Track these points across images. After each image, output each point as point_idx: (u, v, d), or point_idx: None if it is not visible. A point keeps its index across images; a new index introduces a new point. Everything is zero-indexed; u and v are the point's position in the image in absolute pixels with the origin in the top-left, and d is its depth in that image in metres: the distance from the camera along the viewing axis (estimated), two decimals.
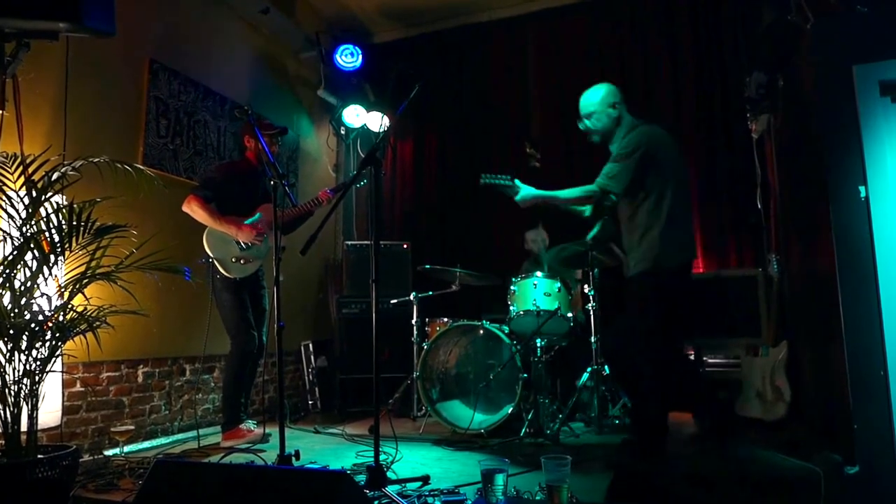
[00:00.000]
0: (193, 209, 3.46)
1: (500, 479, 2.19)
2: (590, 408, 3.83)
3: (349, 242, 5.20)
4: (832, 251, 2.42)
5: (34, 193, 2.53)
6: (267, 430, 3.51)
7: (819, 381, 3.16)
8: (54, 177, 2.57)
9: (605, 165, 2.99)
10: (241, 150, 3.77)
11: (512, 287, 3.91)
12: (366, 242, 5.16)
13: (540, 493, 2.32)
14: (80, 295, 2.54)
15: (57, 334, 2.46)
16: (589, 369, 3.74)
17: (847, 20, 2.50)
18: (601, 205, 3.16)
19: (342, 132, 5.87)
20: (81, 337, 2.50)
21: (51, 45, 2.98)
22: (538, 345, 3.74)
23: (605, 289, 4.27)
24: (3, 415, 2.36)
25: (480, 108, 5.56)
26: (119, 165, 2.73)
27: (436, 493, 2.42)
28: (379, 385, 2.56)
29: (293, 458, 2.76)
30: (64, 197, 2.66)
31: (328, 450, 3.41)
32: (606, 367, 3.69)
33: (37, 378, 2.43)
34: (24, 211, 2.51)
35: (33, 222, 2.52)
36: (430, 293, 4.32)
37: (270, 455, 3.08)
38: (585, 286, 3.95)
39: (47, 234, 2.50)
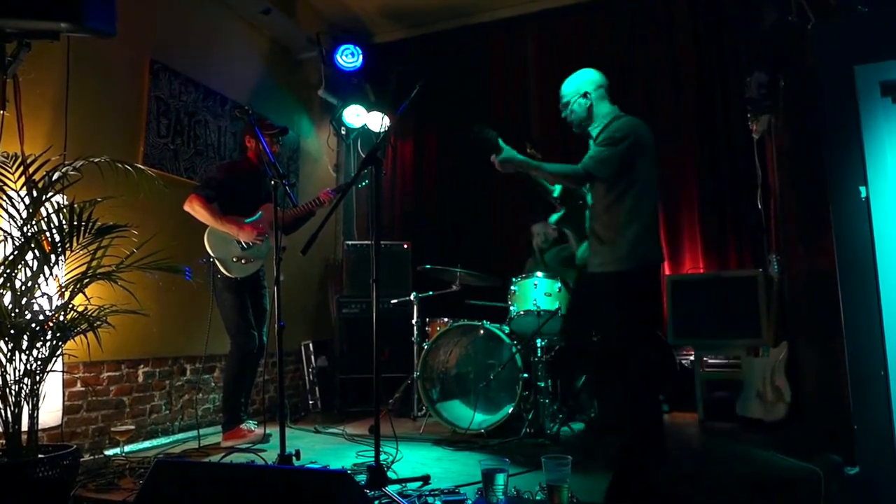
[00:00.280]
0: (195, 208, 3.46)
1: (500, 479, 2.19)
2: (590, 408, 3.83)
3: (349, 242, 5.20)
4: (833, 251, 2.42)
5: (35, 193, 2.53)
6: (267, 430, 3.51)
7: (819, 381, 3.15)
8: (55, 177, 2.57)
9: (591, 149, 2.84)
10: (243, 150, 3.77)
11: (512, 287, 3.91)
12: (366, 242, 5.17)
13: (540, 493, 2.32)
14: (80, 295, 2.55)
15: (58, 334, 2.47)
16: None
17: (848, 21, 2.50)
18: (571, 190, 3.01)
19: (343, 132, 5.87)
20: (82, 336, 2.50)
21: (52, 45, 2.98)
22: (538, 345, 3.74)
23: None
24: (3, 414, 2.36)
25: (481, 109, 5.56)
26: (120, 165, 2.73)
27: (436, 492, 2.42)
28: (379, 385, 2.56)
29: (294, 458, 2.77)
30: (65, 197, 2.66)
31: (328, 450, 3.42)
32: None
33: (37, 378, 2.43)
34: (25, 211, 2.52)
35: (34, 222, 2.52)
36: (431, 293, 4.32)
37: (271, 455, 3.09)
38: None
39: (48, 233, 2.51)
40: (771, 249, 4.17)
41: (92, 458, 3.16)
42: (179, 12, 4.13)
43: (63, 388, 3.12)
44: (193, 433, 3.66)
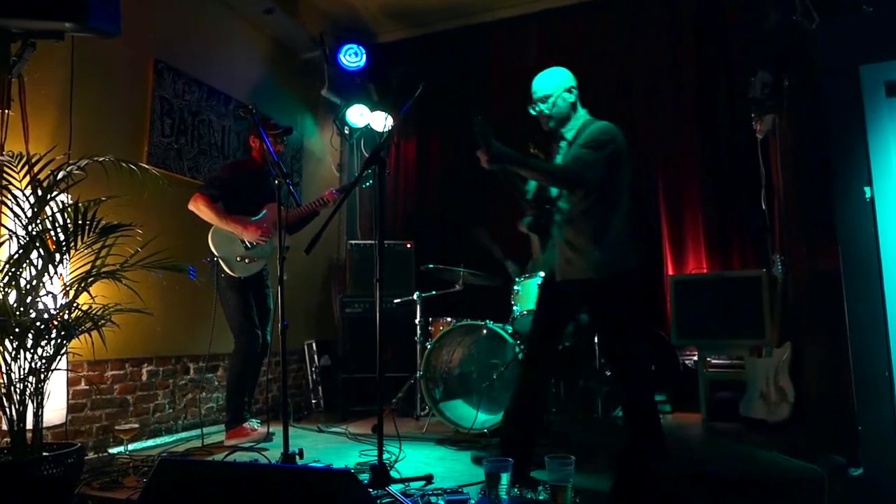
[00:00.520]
0: (199, 208, 3.47)
1: (503, 479, 2.19)
2: (593, 408, 3.82)
3: (353, 242, 5.21)
4: (837, 252, 2.41)
5: (39, 192, 2.54)
6: (270, 429, 3.52)
7: (823, 382, 3.15)
8: (59, 176, 2.58)
9: (574, 151, 2.71)
10: (247, 149, 3.78)
11: (516, 287, 3.91)
12: (369, 242, 5.17)
13: (543, 493, 2.32)
14: (85, 293, 2.55)
15: (62, 333, 2.47)
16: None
17: (853, 20, 2.49)
18: (545, 194, 2.87)
19: (346, 132, 5.87)
20: (86, 335, 2.51)
21: (56, 45, 2.99)
22: None
23: None
24: (8, 413, 2.37)
25: (484, 108, 5.55)
26: (124, 165, 2.74)
27: (439, 492, 2.43)
28: (382, 384, 2.56)
29: (297, 457, 2.77)
30: (69, 196, 2.67)
31: (331, 449, 3.42)
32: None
33: (42, 376, 2.43)
34: (30, 210, 2.52)
35: (39, 221, 2.52)
36: (434, 293, 4.32)
37: (274, 454, 3.09)
38: None
39: (52, 232, 2.51)
40: (775, 250, 4.16)
41: (96, 456, 3.17)
42: (183, 12, 4.14)
43: (67, 386, 3.13)
44: (197, 432, 3.67)
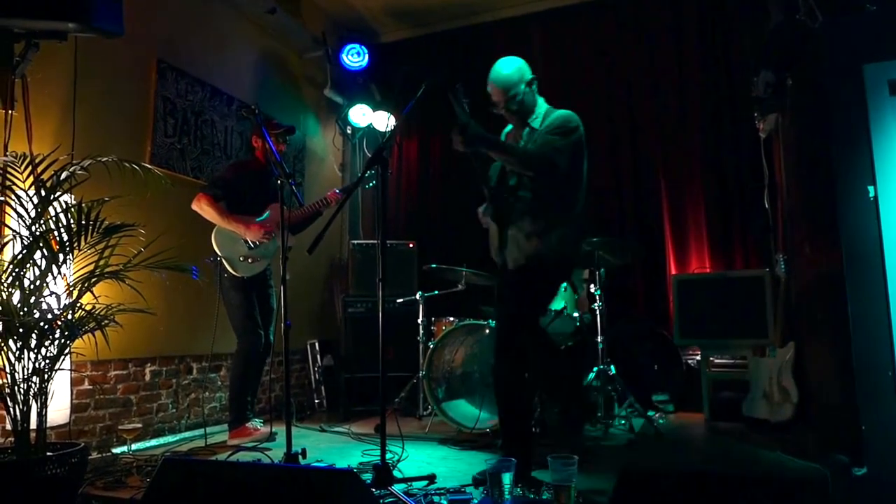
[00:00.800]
0: (202, 207, 3.48)
1: (506, 479, 2.19)
2: (596, 407, 3.82)
3: (355, 242, 5.21)
4: (840, 251, 2.40)
5: (43, 193, 2.54)
6: (273, 429, 3.53)
7: (826, 382, 3.14)
8: (63, 176, 2.58)
9: (543, 138, 2.67)
10: (250, 149, 3.79)
11: None
12: (372, 242, 5.17)
13: (546, 493, 2.32)
14: (88, 293, 2.56)
15: (65, 333, 2.48)
16: (595, 369, 3.73)
17: (856, 19, 2.48)
18: (507, 182, 2.82)
19: (348, 131, 5.88)
20: (90, 335, 2.51)
21: (59, 45, 3.00)
22: None
23: (612, 289, 4.26)
24: (13, 412, 2.38)
25: (486, 107, 5.55)
26: (127, 165, 2.74)
27: (442, 492, 2.43)
28: (385, 384, 2.56)
29: (299, 457, 2.77)
30: (72, 196, 2.67)
31: (334, 448, 3.42)
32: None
33: (46, 376, 2.44)
34: (34, 210, 2.53)
35: (42, 221, 2.53)
36: (436, 292, 4.32)
37: (277, 453, 3.09)
38: (592, 286, 3.94)
39: (56, 233, 2.52)
40: (778, 249, 4.15)
41: (100, 455, 3.18)
42: (186, 12, 4.14)
43: (71, 386, 3.14)
44: (200, 431, 3.68)
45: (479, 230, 5.80)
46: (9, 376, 2.38)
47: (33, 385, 2.41)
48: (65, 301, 2.53)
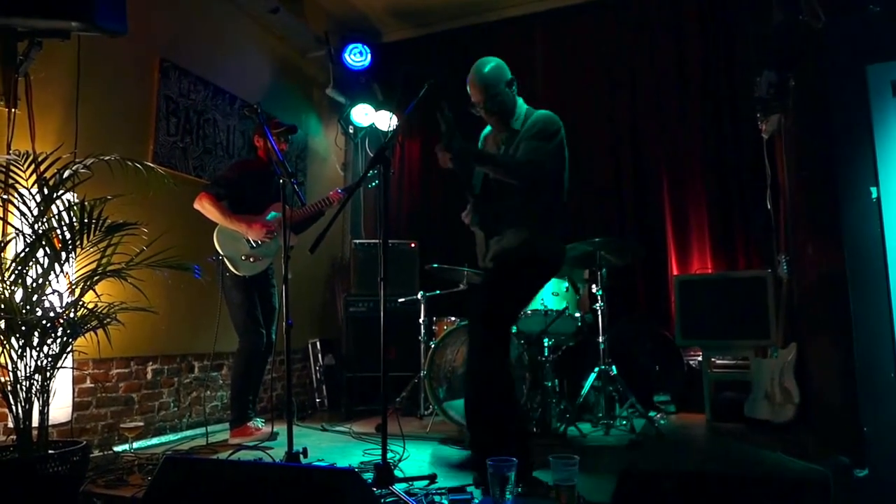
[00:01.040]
0: (204, 206, 3.48)
1: (507, 478, 2.18)
2: (597, 408, 3.82)
3: (357, 241, 5.21)
4: (843, 252, 2.40)
5: (46, 191, 2.55)
6: (275, 428, 3.53)
7: (828, 383, 3.14)
8: (66, 175, 2.59)
9: (529, 144, 2.63)
10: (252, 148, 3.79)
11: None
12: (374, 241, 5.18)
13: (547, 493, 2.32)
14: (90, 292, 2.56)
15: (68, 331, 2.48)
16: (596, 369, 3.73)
17: (859, 20, 2.48)
18: (491, 188, 2.78)
19: (350, 131, 5.88)
20: (92, 333, 2.52)
21: (62, 44, 3.01)
22: (546, 344, 3.73)
23: (614, 289, 4.26)
24: (15, 410, 2.38)
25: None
26: (130, 163, 2.74)
27: (443, 491, 2.42)
28: (386, 383, 2.56)
29: (301, 456, 2.77)
30: (75, 195, 2.68)
31: (335, 448, 3.43)
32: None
33: (48, 374, 2.45)
34: (36, 208, 2.53)
35: (45, 220, 2.54)
36: (438, 292, 4.32)
37: (278, 452, 3.10)
38: (593, 286, 3.94)
39: (59, 231, 2.52)
40: (780, 250, 4.15)
41: (101, 454, 3.18)
42: (189, 11, 4.15)
43: (73, 384, 3.15)
44: (201, 430, 3.68)
45: None
46: (11, 374, 2.38)
47: (35, 383, 2.41)
48: (67, 299, 2.54)
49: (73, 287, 2.57)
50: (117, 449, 3.29)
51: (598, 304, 3.80)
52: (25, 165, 2.57)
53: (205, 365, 4.09)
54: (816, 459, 2.22)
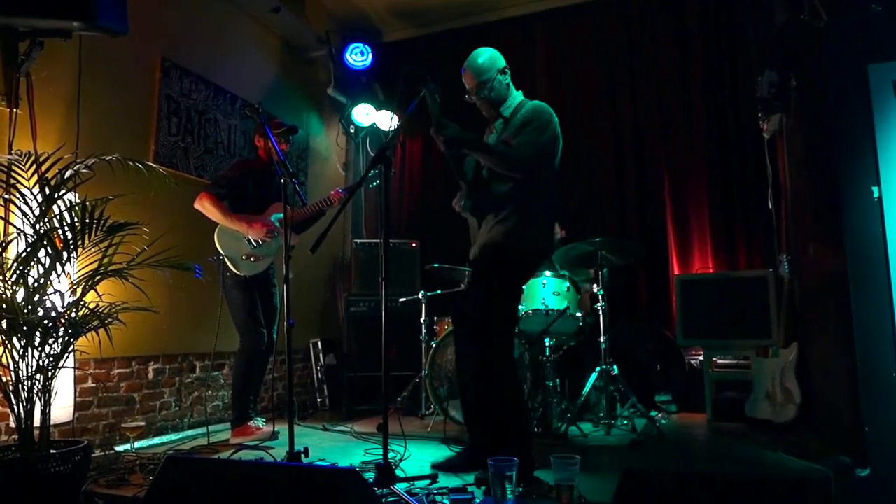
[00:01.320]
0: (205, 206, 3.49)
1: (509, 478, 2.18)
2: (598, 408, 3.82)
3: (358, 241, 5.21)
4: (844, 252, 2.40)
5: (47, 191, 2.55)
6: (276, 428, 3.54)
7: (829, 383, 3.13)
8: (67, 174, 2.59)
9: (523, 137, 2.63)
10: (253, 148, 3.79)
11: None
12: (375, 241, 5.18)
13: (548, 492, 2.32)
14: (92, 292, 2.56)
15: (69, 331, 2.48)
16: (598, 369, 3.73)
17: (861, 20, 2.48)
18: (483, 176, 2.78)
19: (352, 131, 5.88)
20: (93, 333, 2.52)
21: (64, 43, 3.01)
22: (547, 344, 3.73)
23: (615, 289, 4.27)
24: (16, 410, 2.39)
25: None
26: (131, 163, 2.75)
27: (444, 491, 2.42)
28: (387, 383, 2.56)
29: (302, 456, 2.78)
30: (76, 194, 2.68)
31: (336, 447, 3.43)
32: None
33: (49, 374, 2.45)
34: (38, 208, 2.53)
35: (46, 219, 2.54)
36: (439, 292, 4.32)
37: (279, 452, 3.10)
38: (594, 286, 3.94)
39: (60, 231, 2.53)
40: (781, 250, 4.15)
41: (103, 453, 3.19)
42: (190, 11, 4.15)
43: (74, 384, 3.15)
44: (203, 430, 3.68)
45: None
46: (13, 374, 2.39)
47: (37, 383, 2.41)
48: (68, 299, 2.54)
49: (75, 287, 2.57)
50: (119, 449, 3.29)
51: (599, 304, 3.80)
52: (27, 165, 2.57)
53: (206, 365, 4.09)
54: (818, 459, 2.22)
